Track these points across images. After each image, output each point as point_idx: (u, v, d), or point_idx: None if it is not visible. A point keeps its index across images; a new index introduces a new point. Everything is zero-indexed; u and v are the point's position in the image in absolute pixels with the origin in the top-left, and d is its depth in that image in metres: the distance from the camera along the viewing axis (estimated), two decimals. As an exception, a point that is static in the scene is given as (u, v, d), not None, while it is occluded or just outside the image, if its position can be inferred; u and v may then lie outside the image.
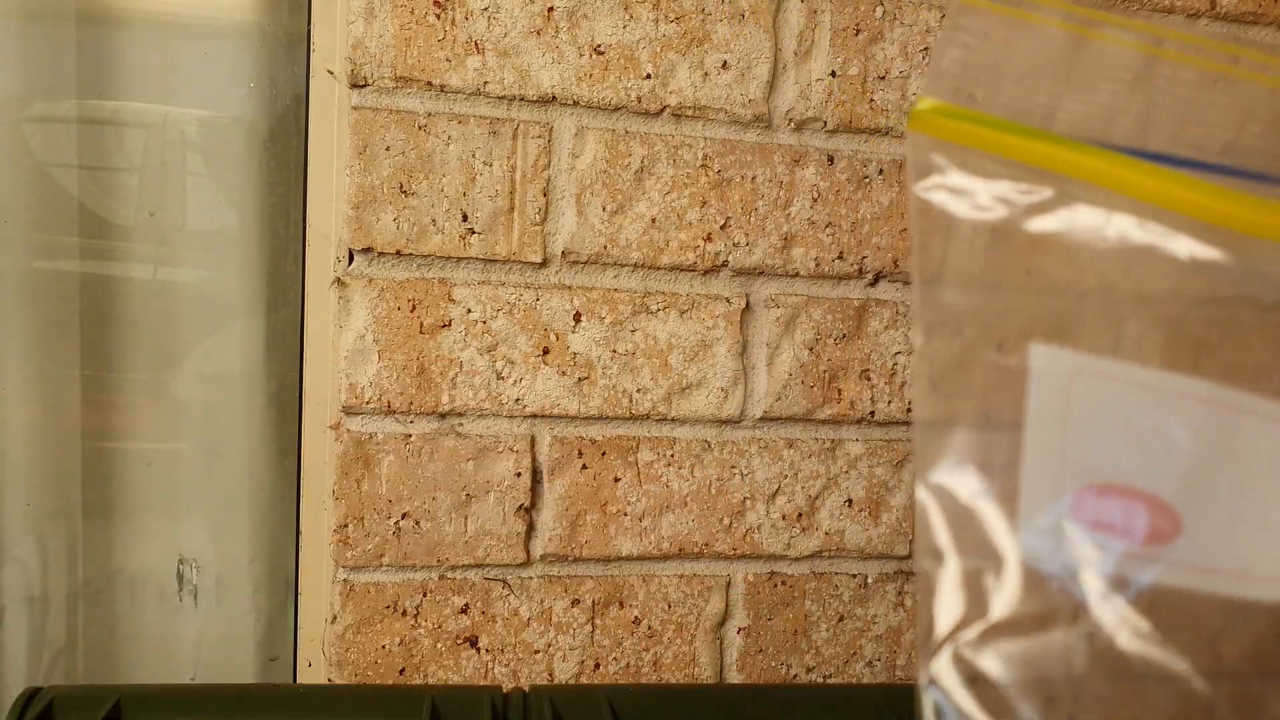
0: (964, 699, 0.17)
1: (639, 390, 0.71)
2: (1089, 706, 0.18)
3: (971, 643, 0.17)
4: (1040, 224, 0.19)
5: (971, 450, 0.18)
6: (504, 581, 0.71)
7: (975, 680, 0.17)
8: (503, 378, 0.70)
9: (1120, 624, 0.18)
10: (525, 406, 0.70)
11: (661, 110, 0.70)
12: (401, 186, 0.67)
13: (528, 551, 0.71)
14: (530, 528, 0.71)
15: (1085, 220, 0.19)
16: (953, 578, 0.18)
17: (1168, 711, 0.17)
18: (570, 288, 0.70)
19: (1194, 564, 0.18)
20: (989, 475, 0.18)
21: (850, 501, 0.76)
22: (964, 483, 0.18)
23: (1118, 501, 0.18)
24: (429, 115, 0.67)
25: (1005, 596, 0.18)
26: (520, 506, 0.71)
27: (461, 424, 0.69)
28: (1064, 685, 0.18)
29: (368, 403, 0.68)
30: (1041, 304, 0.19)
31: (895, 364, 0.75)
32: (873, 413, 0.75)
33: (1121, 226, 0.19)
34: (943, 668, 0.17)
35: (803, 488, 0.75)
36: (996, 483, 0.18)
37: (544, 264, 0.70)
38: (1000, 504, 0.18)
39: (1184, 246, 0.19)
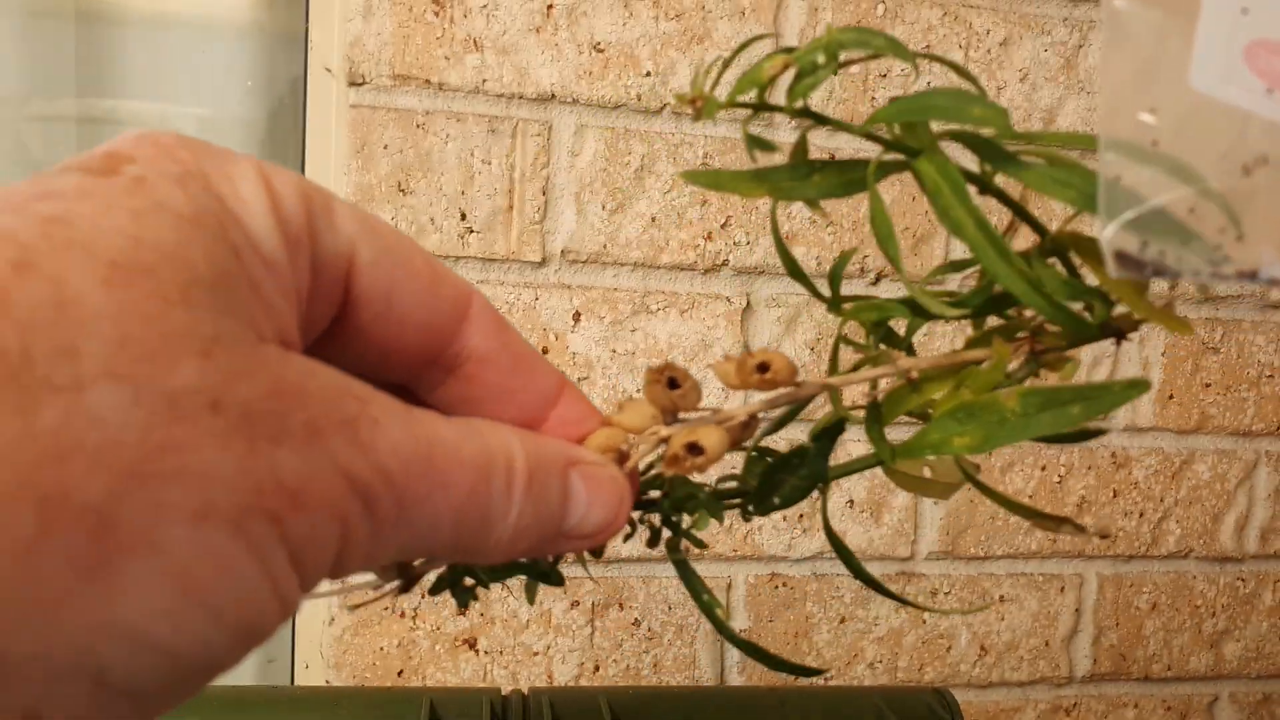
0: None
1: (639, 391, 0.71)
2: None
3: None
4: None
5: None
6: (503, 583, 0.71)
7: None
8: (502, 378, 0.69)
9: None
10: (524, 406, 0.69)
11: (662, 108, 0.70)
12: (399, 185, 0.67)
13: (527, 553, 0.71)
14: (529, 529, 0.71)
15: None
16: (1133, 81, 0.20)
17: None
18: (570, 287, 0.70)
19: None
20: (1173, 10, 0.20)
21: (852, 502, 0.75)
22: (1144, 13, 0.20)
23: None
24: (427, 113, 0.67)
25: (1170, 116, 0.20)
26: (519, 507, 0.70)
27: (460, 424, 0.69)
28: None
29: (366, 403, 0.67)
30: None
31: (897, 364, 0.74)
32: (875, 413, 0.74)
33: None
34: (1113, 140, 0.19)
35: (804, 489, 0.74)
36: (1177, 16, 0.20)
37: (543, 263, 0.69)
38: (1178, 35, 0.20)
39: None
